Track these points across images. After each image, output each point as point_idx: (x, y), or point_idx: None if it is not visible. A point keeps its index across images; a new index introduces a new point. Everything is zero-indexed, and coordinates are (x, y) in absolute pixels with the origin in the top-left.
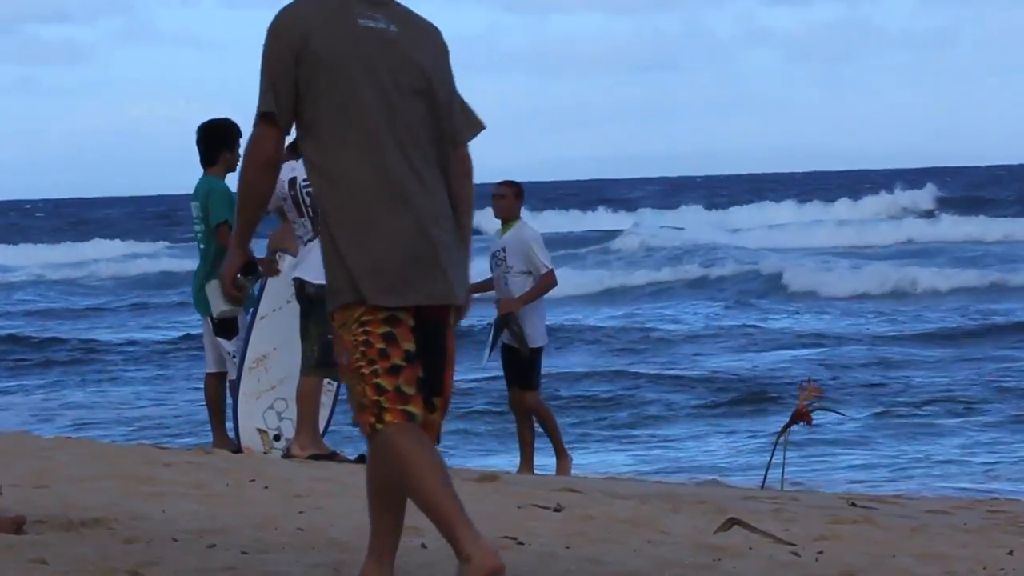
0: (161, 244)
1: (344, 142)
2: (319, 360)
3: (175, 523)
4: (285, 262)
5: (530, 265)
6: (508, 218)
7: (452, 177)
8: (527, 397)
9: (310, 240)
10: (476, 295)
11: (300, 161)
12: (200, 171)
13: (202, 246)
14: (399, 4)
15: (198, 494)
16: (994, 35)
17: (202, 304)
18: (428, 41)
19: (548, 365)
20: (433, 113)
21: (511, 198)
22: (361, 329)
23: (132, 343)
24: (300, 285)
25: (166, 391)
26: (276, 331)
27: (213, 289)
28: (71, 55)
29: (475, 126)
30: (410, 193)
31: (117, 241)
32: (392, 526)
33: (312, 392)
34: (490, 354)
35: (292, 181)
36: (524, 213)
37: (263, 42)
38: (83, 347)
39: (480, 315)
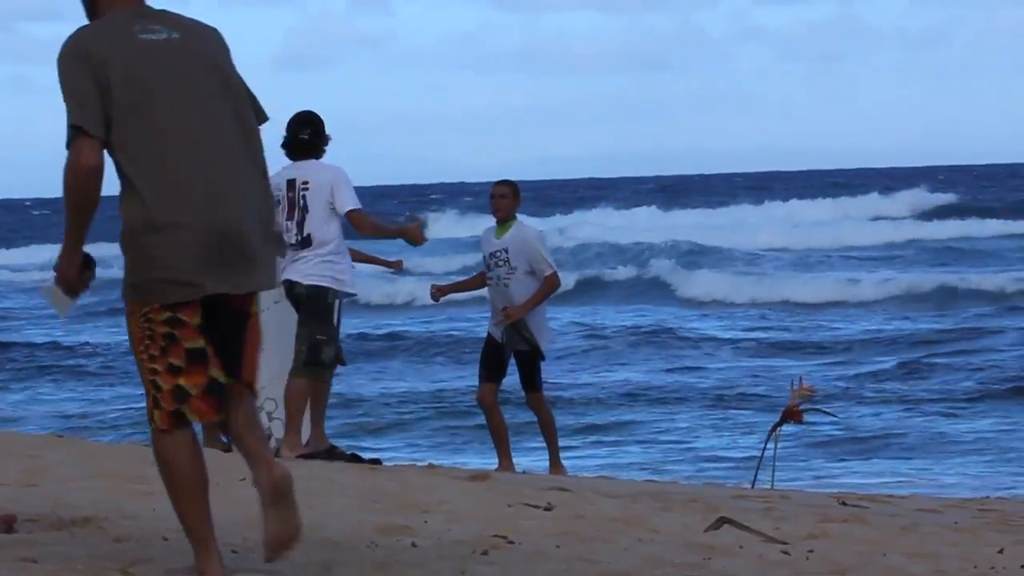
0: None
1: (149, 152)
2: (307, 360)
3: (165, 522)
4: None
5: (534, 266)
6: (508, 218)
7: (256, 164)
8: (532, 398)
9: (294, 247)
10: (459, 294)
11: (299, 164)
12: None
13: None
14: (175, 13)
15: None
16: (987, 34)
17: None
18: (211, 41)
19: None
20: (233, 108)
21: (511, 198)
22: (146, 324)
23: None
24: (290, 286)
25: None
26: (263, 332)
27: (51, 293)
28: None
29: (260, 117)
30: (217, 191)
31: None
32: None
33: (300, 393)
34: (499, 359)
35: (291, 183)
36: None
37: (58, 70)
38: (77, 347)
39: (462, 319)
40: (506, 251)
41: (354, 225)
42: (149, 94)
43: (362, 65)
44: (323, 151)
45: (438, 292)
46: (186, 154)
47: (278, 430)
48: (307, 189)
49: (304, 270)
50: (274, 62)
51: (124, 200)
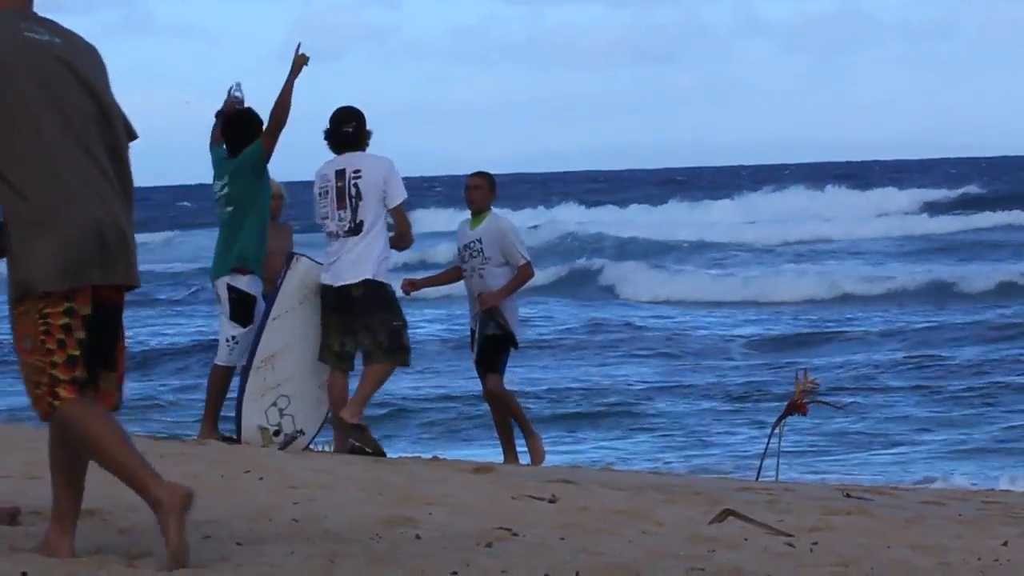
0: (164, 235)
1: (26, 149)
2: (390, 347)
3: None
4: (301, 264)
5: (508, 257)
6: (482, 209)
7: (123, 175)
8: (490, 379)
9: (345, 234)
10: (431, 287)
11: (345, 156)
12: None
13: (228, 220)
14: (60, 24)
15: (192, 485)
16: (991, 27)
17: (223, 271)
18: (89, 55)
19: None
20: (102, 117)
21: (486, 189)
22: (42, 320)
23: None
24: (343, 287)
25: (157, 384)
26: (285, 332)
27: None
28: None
29: (131, 135)
30: (98, 188)
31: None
32: (74, 499)
33: (382, 375)
34: (476, 349)
35: (340, 172)
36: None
37: None
38: None
39: (463, 311)
40: (480, 242)
41: (395, 219)
42: (24, 90)
43: (367, 58)
44: (366, 144)
45: (410, 287)
46: (57, 153)
47: (288, 426)
48: (359, 177)
49: (358, 268)
50: (279, 56)
51: (3, 199)
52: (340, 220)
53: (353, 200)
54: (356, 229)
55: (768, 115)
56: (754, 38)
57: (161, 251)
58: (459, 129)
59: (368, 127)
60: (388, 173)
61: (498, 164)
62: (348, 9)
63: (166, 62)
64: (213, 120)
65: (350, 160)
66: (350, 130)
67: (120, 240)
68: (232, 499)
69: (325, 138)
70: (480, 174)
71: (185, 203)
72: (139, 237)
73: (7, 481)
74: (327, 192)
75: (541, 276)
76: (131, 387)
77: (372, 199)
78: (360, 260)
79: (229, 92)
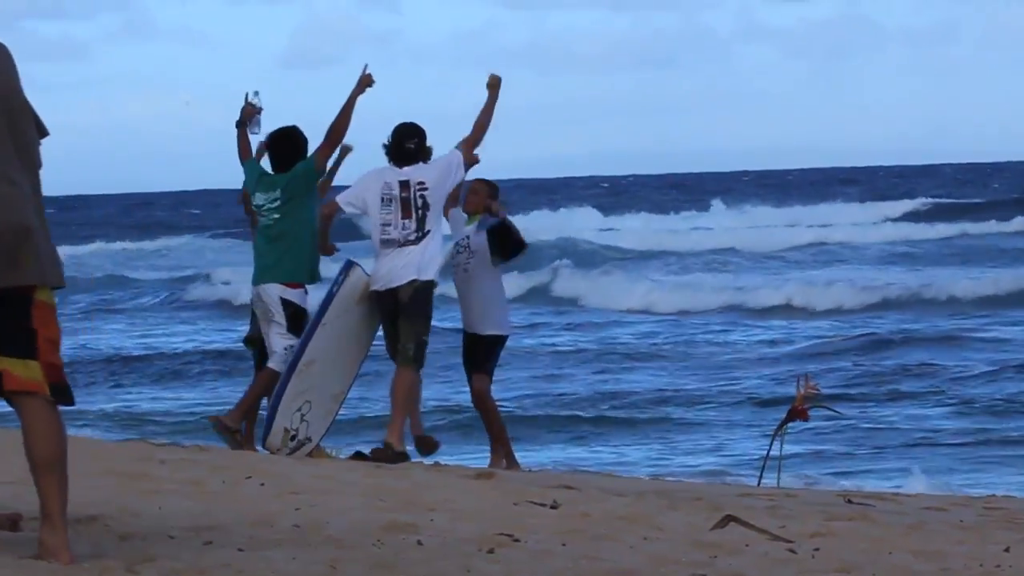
0: (161, 242)
1: None
2: (415, 356)
3: (171, 520)
4: (355, 274)
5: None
6: (476, 212)
7: (32, 175)
8: (478, 379)
9: (409, 243)
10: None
11: (414, 167)
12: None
13: (276, 230)
14: None
15: (194, 491)
16: (993, 31)
17: (266, 278)
18: None
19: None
20: (11, 118)
21: (483, 195)
22: None
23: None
24: (394, 292)
25: (156, 389)
26: (329, 338)
27: None
28: (69, 52)
29: (42, 132)
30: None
31: (127, 240)
32: (59, 495)
33: (412, 387)
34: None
35: (405, 183)
36: None
37: None
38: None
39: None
40: (468, 238)
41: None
42: None
43: (368, 63)
44: (427, 161)
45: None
46: None
47: (304, 431)
48: (425, 189)
49: (412, 264)
50: (281, 61)
51: None
52: (405, 229)
53: (420, 211)
54: (421, 239)
55: (770, 120)
56: (756, 43)
57: (167, 257)
58: (460, 134)
59: (428, 143)
60: (445, 171)
61: (499, 169)
62: (349, 14)
63: (167, 67)
64: (235, 131)
65: (415, 171)
66: (412, 147)
67: (20, 242)
68: (234, 505)
69: (386, 152)
70: (482, 181)
71: (193, 210)
72: (146, 244)
73: (8, 487)
74: (391, 200)
75: (537, 281)
76: (130, 390)
77: (437, 207)
78: (415, 262)
79: (246, 100)
